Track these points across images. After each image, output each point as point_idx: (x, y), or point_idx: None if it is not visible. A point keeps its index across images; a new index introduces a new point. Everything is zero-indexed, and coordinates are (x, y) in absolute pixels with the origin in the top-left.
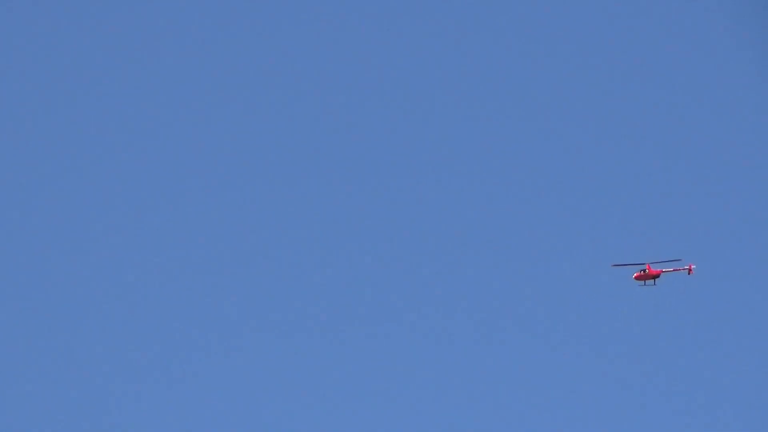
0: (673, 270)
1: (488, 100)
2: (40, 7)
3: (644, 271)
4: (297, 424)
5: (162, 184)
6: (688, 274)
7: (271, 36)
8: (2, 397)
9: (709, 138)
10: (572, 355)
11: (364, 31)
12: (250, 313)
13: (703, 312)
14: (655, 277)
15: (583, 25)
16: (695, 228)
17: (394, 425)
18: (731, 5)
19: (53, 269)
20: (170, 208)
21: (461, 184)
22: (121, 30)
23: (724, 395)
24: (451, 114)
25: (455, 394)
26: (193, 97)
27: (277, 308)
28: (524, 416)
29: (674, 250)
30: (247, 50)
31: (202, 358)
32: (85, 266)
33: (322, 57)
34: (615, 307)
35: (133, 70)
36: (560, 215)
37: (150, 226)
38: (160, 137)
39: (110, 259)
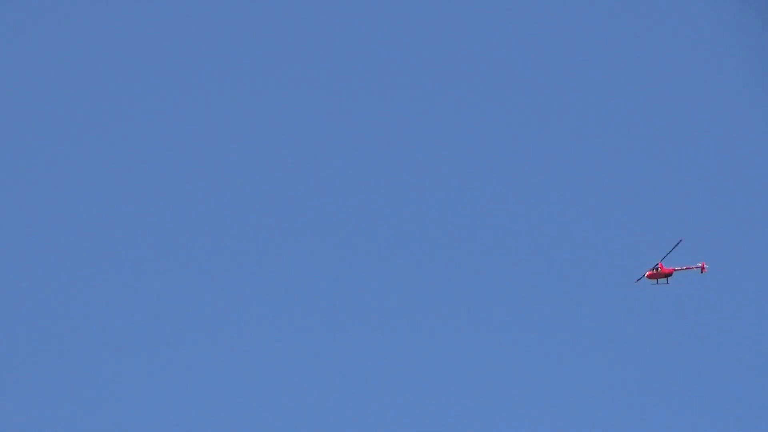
0: (686, 268)
1: (494, 99)
2: (39, 7)
3: (657, 269)
4: (296, 424)
5: (162, 184)
6: (701, 272)
7: (271, 36)
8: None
9: (720, 137)
10: (583, 355)
11: (364, 31)
12: (249, 313)
13: (716, 311)
14: (668, 275)
15: (585, 23)
16: (707, 227)
17: (395, 425)
18: (731, 5)
19: (42, 264)
20: (170, 207)
21: (469, 183)
22: (121, 30)
23: (736, 395)
24: (453, 113)
25: (471, 394)
26: (192, 97)
27: (277, 308)
28: (534, 417)
29: (686, 249)
30: (247, 50)
31: (201, 356)
32: (84, 264)
33: (322, 57)
34: (627, 305)
35: (133, 70)
36: (571, 213)
37: (149, 225)
38: (159, 137)
39: (108, 256)
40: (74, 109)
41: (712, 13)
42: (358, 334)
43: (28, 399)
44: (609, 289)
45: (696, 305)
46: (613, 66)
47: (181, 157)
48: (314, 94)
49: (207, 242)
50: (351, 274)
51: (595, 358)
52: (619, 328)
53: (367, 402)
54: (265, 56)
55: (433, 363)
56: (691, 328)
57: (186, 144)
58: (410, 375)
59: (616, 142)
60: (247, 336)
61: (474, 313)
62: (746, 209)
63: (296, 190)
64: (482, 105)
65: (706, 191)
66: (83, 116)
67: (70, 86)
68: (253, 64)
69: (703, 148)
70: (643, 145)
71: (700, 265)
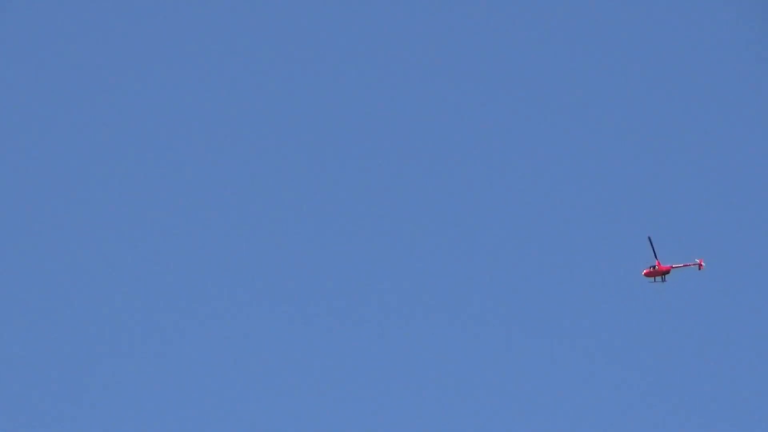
0: (683, 266)
1: (493, 99)
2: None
3: (654, 267)
4: (295, 423)
5: (161, 184)
6: (699, 269)
7: (271, 36)
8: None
9: (716, 135)
10: (580, 354)
11: (364, 31)
12: (248, 312)
13: (715, 309)
14: (665, 273)
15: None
16: (705, 225)
17: (394, 424)
18: (731, 5)
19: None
20: (170, 207)
21: (468, 183)
22: (121, 30)
23: (734, 394)
24: (454, 113)
25: (463, 393)
26: (193, 97)
27: (276, 307)
28: (530, 416)
29: (683, 247)
30: (246, 50)
31: (200, 356)
32: (83, 263)
33: (322, 57)
34: (624, 304)
35: (133, 70)
36: (569, 213)
37: (148, 224)
38: (159, 137)
39: (107, 256)
40: (74, 109)
41: (711, 12)
42: (358, 333)
43: (26, 399)
44: (608, 287)
45: (694, 303)
46: (608, 66)
47: (179, 156)
48: (314, 94)
49: (206, 242)
50: (350, 274)
51: (593, 357)
52: (618, 327)
53: (367, 401)
54: (265, 56)
55: (431, 362)
56: (690, 326)
57: (185, 144)
58: (408, 375)
59: (614, 141)
60: (246, 335)
61: (472, 311)
62: (743, 206)
63: (295, 189)
64: (481, 104)
65: (704, 189)
66: (83, 116)
67: (69, 86)
68: (252, 65)
69: (701, 146)
70: (641, 144)
71: (697, 261)
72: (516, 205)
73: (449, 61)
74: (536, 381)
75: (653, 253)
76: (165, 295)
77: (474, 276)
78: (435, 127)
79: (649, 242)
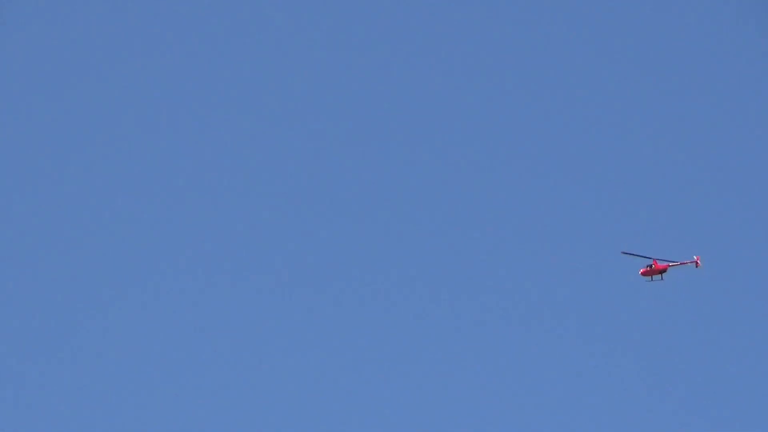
0: (680, 264)
1: (492, 96)
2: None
3: (650, 266)
4: (294, 423)
5: (161, 184)
6: (696, 267)
7: (270, 36)
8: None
9: (712, 134)
10: (577, 352)
11: (364, 31)
12: (248, 312)
13: (712, 307)
14: (662, 272)
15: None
16: (702, 223)
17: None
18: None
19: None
20: (170, 207)
21: (463, 178)
22: (120, 30)
23: (733, 393)
24: (454, 113)
25: (454, 389)
26: (192, 98)
27: (276, 306)
28: (527, 413)
29: (681, 246)
30: (247, 50)
31: (200, 355)
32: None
33: (322, 57)
34: (622, 303)
35: (132, 70)
36: (565, 210)
37: (148, 225)
38: (159, 137)
39: (107, 257)
40: (73, 109)
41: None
42: (358, 333)
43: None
44: (605, 287)
45: (692, 301)
46: (604, 65)
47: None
48: (314, 95)
49: (205, 243)
50: (351, 274)
51: (591, 356)
52: (616, 326)
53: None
54: (265, 56)
55: (430, 356)
56: (688, 324)
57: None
58: (407, 374)
59: (611, 139)
60: (245, 333)
61: (470, 310)
62: (739, 203)
63: (295, 189)
64: (486, 101)
65: (700, 186)
66: (83, 116)
67: (69, 86)
68: (253, 64)
69: (697, 144)
70: (638, 142)
71: (694, 259)
72: (513, 203)
73: (449, 60)
74: (534, 380)
75: (642, 257)
76: (164, 296)
77: (472, 275)
78: (434, 126)
79: (629, 254)
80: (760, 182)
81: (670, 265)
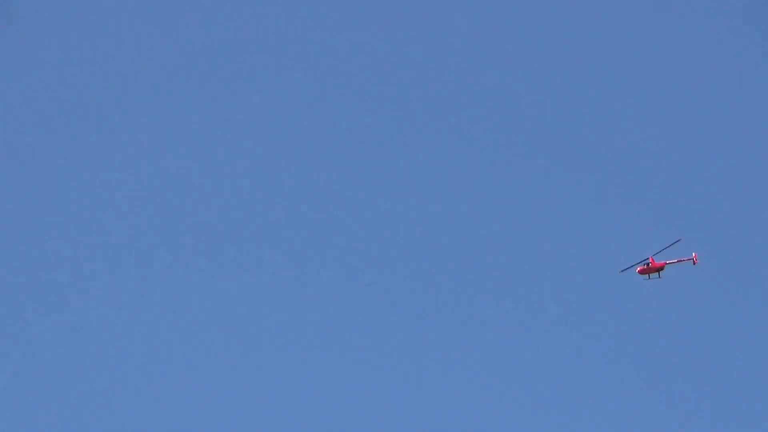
0: (678, 261)
1: (484, 99)
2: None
3: (648, 264)
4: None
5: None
6: (693, 264)
7: (270, 36)
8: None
9: (709, 132)
10: (574, 353)
11: (364, 31)
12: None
13: (711, 305)
14: (660, 269)
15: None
16: (698, 220)
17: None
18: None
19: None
20: (170, 207)
21: (459, 181)
22: (121, 30)
23: (729, 391)
24: (452, 114)
25: (453, 391)
26: (192, 98)
27: (275, 308)
28: (526, 414)
29: (678, 244)
30: (246, 50)
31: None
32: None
33: (322, 57)
34: (619, 302)
35: (132, 70)
36: (560, 210)
37: (148, 225)
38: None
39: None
40: (73, 109)
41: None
42: (357, 334)
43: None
44: (601, 286)
45: (690, 298)
46: (605, 61)
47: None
48: (314, 96)
49: (204, 242)
50: (351, 276)
51: (588, 355)
52: (613, 325)
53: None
54: (265, 56)
55: (427, 357)
56: (685, 321)
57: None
58: (405, 374)
59: (608, 137)
60: (244, 334)
61: (466, 308)
62: (736, 200)
63: (295, 190)
64: (477, 104)
65: (697, 183)
66: (82, 116)
67: (69, 86)
68: (253, 65)
69: (693, 142)
70: (635, 140)
71: (692, 257)
72: (510, 202)
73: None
74: (531, 379)
75: (635, 263)
76: (163, 297)
77: (469, 274)
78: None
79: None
80: (757, 179)
81: (667, 263)
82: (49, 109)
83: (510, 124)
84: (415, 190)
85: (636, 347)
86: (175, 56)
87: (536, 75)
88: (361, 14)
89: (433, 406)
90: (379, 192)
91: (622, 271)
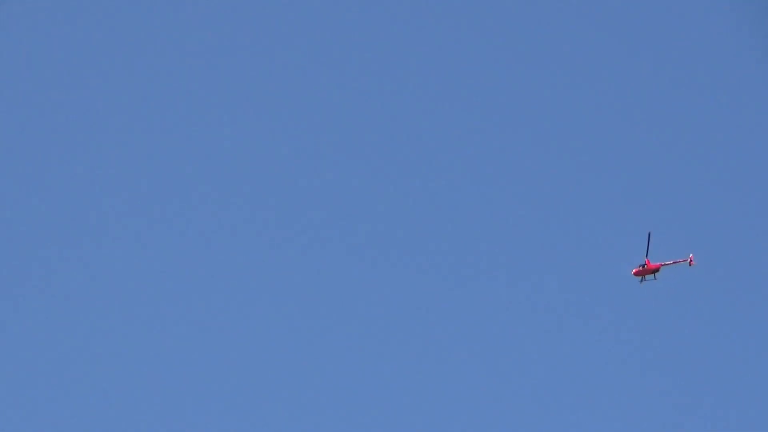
0: (673, 263)
1: (485, 100)
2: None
3: (643, 266)
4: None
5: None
6: (690, 265)
7: (271, 36)
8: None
9: (704, 132)
10: (571, 355)
11: (364, 31)
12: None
13: (709, 307)
14: (655, 271)
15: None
16: (695, 222)
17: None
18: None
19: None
20: (170, 208)
21: (457, 183)
22: (120, 30)
23: (725, 390)
24: (450, 114)
25: (446, 387)
26: (192, 99)
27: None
28: (519, 414)
29: (674, 244)
30: (246, 50)
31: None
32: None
33: (322, 57)
34: (615, 305)
35: (131, 70)
36: (556, 212)
37: (148, 226)
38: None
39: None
40: (72, 109)
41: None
42: (357, 336)
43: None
44: (597, 288)
45: (686, 300)
46: (602, 62)
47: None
48: (315, 95)
49: (205, 245)
50: (351, 277)
51: (585, 357)
52: (609, 327)
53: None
54: (265, 56)
55: (421, 355)
56: (682, 323)
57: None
58: (404, 372)
59: (604, 138)
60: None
61: (460, 308)
62: (733, 201)
63: (296, 191)
64: (478, 104)
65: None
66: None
67: (68, 86)
68: (253, 65)
69: (688, 143)
70: (630, 141)
71: (688, 258)
72: (505, 204)
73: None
74: (527, 381)
75: (645, 251)
76: (163, 297)
77: (463, 274)
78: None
79: (647, 239)
80: (754, 179)
81: (663, 265)
82: (49, 108)
83: (509, 124)
84: (414, 190)
85: (632, 346)
86: (174, 56)
87: (535, 74)
88: (362, 14)
89: (432, 406)
90: (379, 192)
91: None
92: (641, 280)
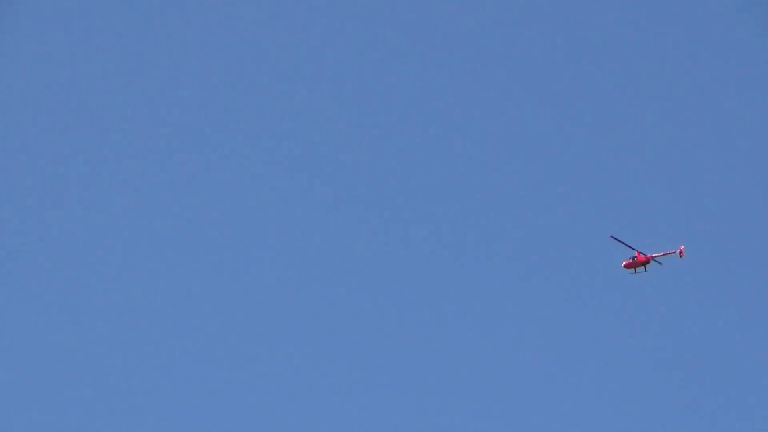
0: (664, 254)
1: (479, 99)
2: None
3: (633, 258)
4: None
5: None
6: (680, 257)
7: (271, 36)
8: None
9: (692, 126)
10: (561, 350)
11: (363, 31)
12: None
13: (699, 299)
14: (645, 263)
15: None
16: (686, 215)
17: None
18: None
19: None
20: (170, 208)
21: (450, 178)
22: (121, 30)
23: (716, 385)
24: (448, 114)
25: (437, 386)
26: (192, 99)
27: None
28: (512, 410)
29: (665, 238)
30: (246, 50)
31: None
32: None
33: (322, 57)
34: (606, 298)
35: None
36: (547, 206)
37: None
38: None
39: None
40: (72, 110)
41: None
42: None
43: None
44: (587, 282)
45: (677, 291)
46: (596, 60)
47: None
48: (314, 96)
49: (205, 244)
50: (351, 278)
51: (576, 353)
52: (600, 321)
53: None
54: (265, 56)
55: (415, 352)
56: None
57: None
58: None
59: (594, 133)
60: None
61: (454, 307)
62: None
63: (297, 192)
64: (472, 104)
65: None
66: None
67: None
68: (253, 65)
69: (676, 137)
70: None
71: (678, 249)
72: (496, 202)
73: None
74: (519, 377)
75: (629, 247)
76: (163, 297)
77: (460, 273)
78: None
79: (616, 240)
80: (743, 174)
81: (653, 257)
82: (48, 108)
83: (507, 124)
84: (413, 189)
85: (629, 345)
86: (174, 56)
87: (534, 74)
88: (361, 14)
89: (431, 406)
90: (377, 192)
91: (612, 236)
92: (632, 273)
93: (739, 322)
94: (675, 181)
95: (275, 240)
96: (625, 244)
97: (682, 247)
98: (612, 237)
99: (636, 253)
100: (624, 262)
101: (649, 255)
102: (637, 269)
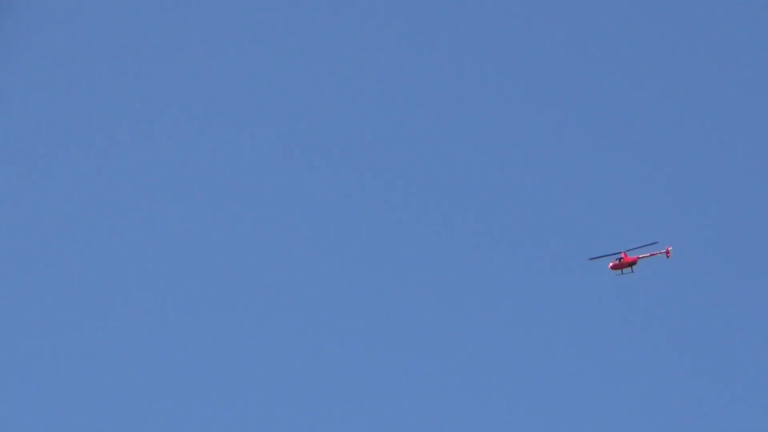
0: (650, 255)
1: (472, 98)
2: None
3: (620, 259)
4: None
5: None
6: (667, 257)
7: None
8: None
9: (683, 126)
10: (550, 353)
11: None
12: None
13: (687, 299)
14: (632, 264)
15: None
16: (670, 214)
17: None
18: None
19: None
20: (170, 209)
21: (450, 178)
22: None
23: (707, 381)
24: (446, 114)
25: (430, 384)
26: (192, 99)
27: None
28: (503, 410)
29: (650, 237)
30: (246, 50)
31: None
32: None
33: (322, 57)
34: (593, 301)
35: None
36: (534, 207)
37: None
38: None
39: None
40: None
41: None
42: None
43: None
44: (574, 283)
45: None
46: (589, 59)
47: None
48: (315, 96)
49: (205, 244)
50: (351, 279)
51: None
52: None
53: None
54: (265, 56)
55: (413, 353)
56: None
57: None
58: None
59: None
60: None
61: (449, 306)
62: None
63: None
64: (465, 103)
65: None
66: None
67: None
68: (253, 65)
69: (666, 136)
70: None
71: (665, 250)
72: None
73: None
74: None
75: (608, 255)
76: (163, 297)
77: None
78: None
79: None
80: (733, 173)
81: (640, 257)
82: (48, 108)
83: (505, 123)
84: (413, 189)
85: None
86: (174, 56)
87: (533, 74)
88: (361, 14)
89: (430, 406)
90: (378, 192)
91: (592, 259)
92: (618, 274)
93: (736, 321)
94: (668, 182)
95: (276, 239)
96: (606, 255)
97: (670, 248)
98: (590, 259)
99: (622, 254)
100: (610, 264)
101: (635, 256)
102: (624, 270)
